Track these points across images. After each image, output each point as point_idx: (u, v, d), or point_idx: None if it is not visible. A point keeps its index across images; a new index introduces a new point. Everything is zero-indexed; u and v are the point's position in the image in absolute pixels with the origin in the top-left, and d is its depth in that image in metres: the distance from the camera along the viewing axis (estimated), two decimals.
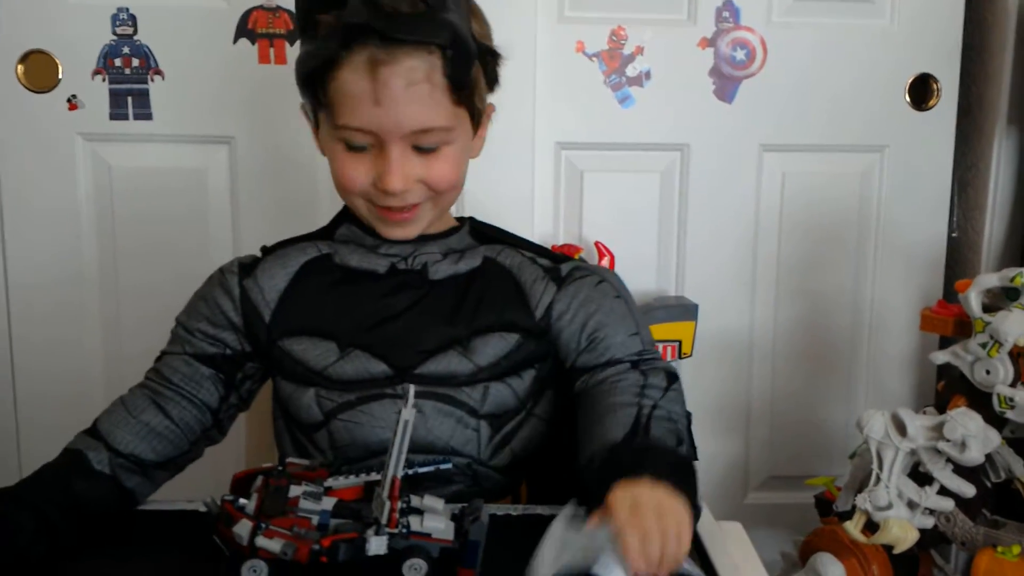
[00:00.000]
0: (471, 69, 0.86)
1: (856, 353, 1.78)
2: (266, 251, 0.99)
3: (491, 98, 0.95)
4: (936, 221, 1.75)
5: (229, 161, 1.55)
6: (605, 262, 1.58)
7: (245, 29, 1.50)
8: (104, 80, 1.50)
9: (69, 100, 1.51)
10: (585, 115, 1.64)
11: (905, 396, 1.78)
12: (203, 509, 0.76)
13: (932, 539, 1.32)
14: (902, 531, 1.21)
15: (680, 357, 1.60)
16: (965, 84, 1.71)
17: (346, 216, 0.98)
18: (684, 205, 1.70)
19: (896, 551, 1.24)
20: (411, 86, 0.82)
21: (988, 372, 1.21)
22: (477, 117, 0.92)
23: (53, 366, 1.57)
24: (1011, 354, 1.18)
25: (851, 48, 1.67)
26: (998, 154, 1.67)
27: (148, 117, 1.52)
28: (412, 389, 0.73)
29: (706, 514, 0.90)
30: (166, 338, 0.96)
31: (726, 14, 1.63)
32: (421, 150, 0.87)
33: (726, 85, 1.66)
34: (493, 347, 0.92)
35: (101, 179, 1.55)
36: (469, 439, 0.92)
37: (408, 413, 0.72)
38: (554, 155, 1.65)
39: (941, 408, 1.29)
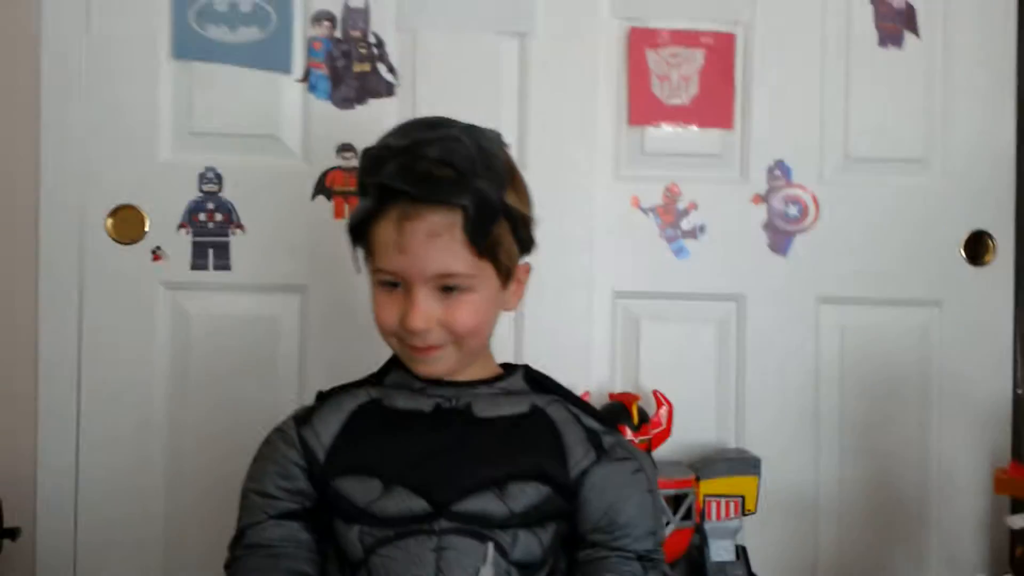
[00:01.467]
0: (491, 228, 0.97)
1: (925, 514, 1.71)
2: (321, 396, 1.09)
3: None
4: (999, 377, 1.72)
5: (301, 308, 1.62)
6: (664, 411, 1.57)
7: (323, 187, 1.60)
8: (188, 233, 1.59)
9: (154, 252, 1.60)
10: (641, 266, 1.68)
11: (978, 561, 1.70)
12: None
13: None
14: None
15: (744, 514, 1.56)
16: (1022, 238, 1.73)
17: (395, 362, 1.08)
18: (742, 355, 1.70)
19: None
20: (432, 237, 0.95)
21: None
22: (504, 271, 1.03)
23: (115, 512, 1.59)
24: None
25: (903, 205, 1.70)
26: None
27: (227, 267, 1.60)
28: (492, 548, 0.73)
29: None
30: (225, 485, 1.03)
31: (777, 172, 1.70)
32: (446, 291, 0.98)
33: (780, 239, 1.70)
34: (528, 495, 0.99)
35: (179, 326, 1.62)
36: None
37: (487, 572, 0.71)
38: (611, 303, 1.68)
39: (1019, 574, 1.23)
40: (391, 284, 0.99)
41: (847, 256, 1.70)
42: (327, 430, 1.03)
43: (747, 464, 1.57)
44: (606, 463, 1.03)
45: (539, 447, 1.01)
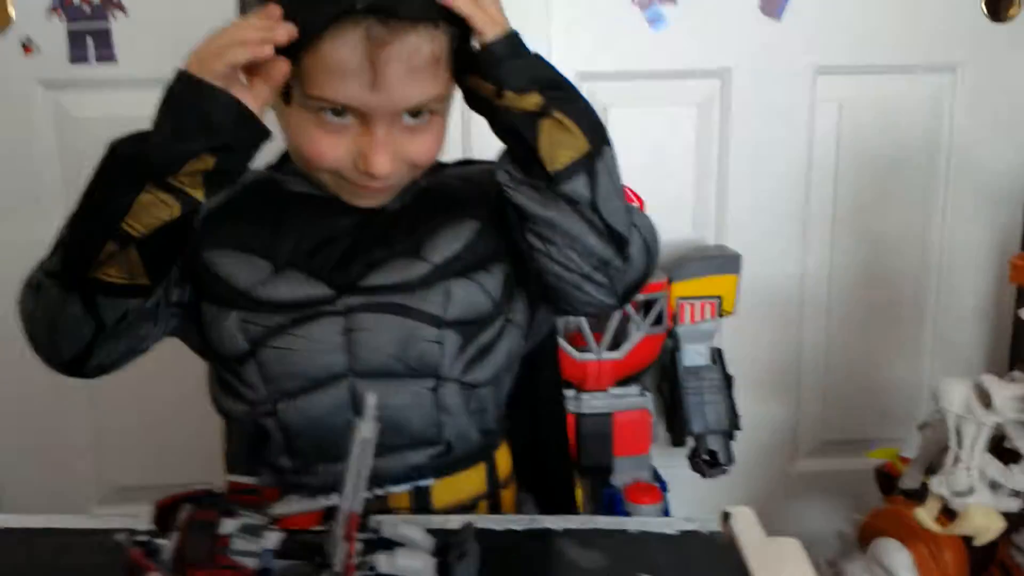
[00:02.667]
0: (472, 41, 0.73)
1: (923, 304, 1.58)
2: None
3: None
4: (1018, 149, 1.53)
5: None
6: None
7: None
8: (61, 19, 1.34)
9: (24, 44, 1.34)
10: (609, 41, 1.45)
11: (976, 355, 1.59)
12: (122, 544, 0.60)
13: (1016, 522, 1.14)
14: (986, 520, 1.04)
15: (720, 315, 1.41)
16: None
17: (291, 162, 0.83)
18: (725, 140, 1.50)
19: (977, 542, 1.06)
20: (413, 70, 0.71)
21: None
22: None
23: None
24: None
25: None
26: None
27: (112, 59, 1.35)
28: (373, 399, 0.56)
29: (756, 528, 0.73)
30: None
31: None
32: (408, 120, 0.75)
33: (773, 0, 1.44)
34: (447, 240, 0.80)
35: (66, 131, 1.39)
36: (428, 353, 0.78)
37: (368, 428, 0.55)
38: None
39: None
40: (335, 112, 0.73)
41: (851, 18, 1.46)
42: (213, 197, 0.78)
43: (725, 262, 1.41)
44: None
45: (449, 202, 0.82)
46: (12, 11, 1.33)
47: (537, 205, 0.74)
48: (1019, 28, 1.48)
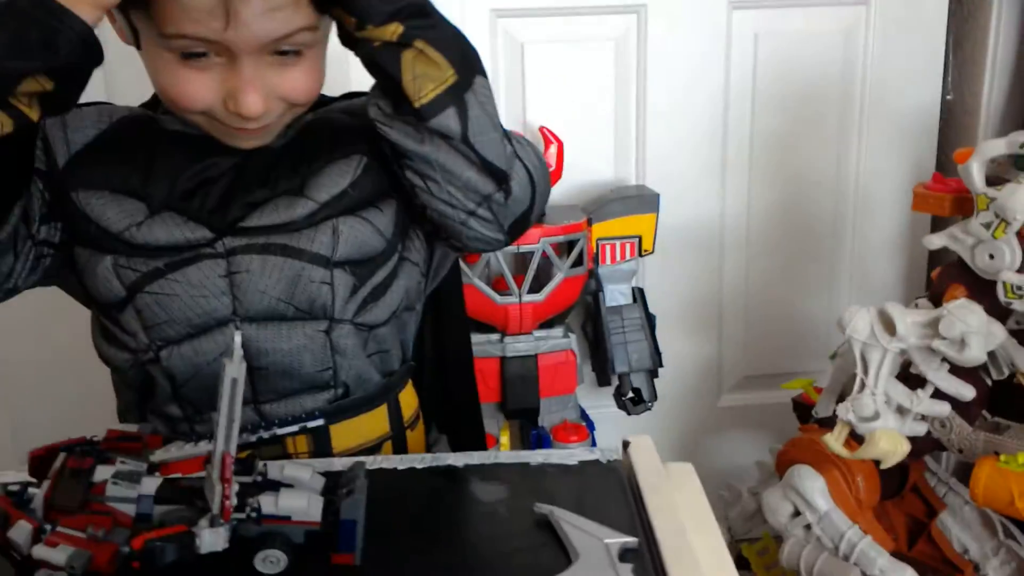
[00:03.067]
0: None
1: (839, 239, 1.61)
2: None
3: None
4: (929, 82, 1.55)
5: None
6: (552, 149, 1.37)
7: None
8: None
9: None
10: None
11: (893, 286, 1.62)
12: None
13: (924, 447, 1.17)
14: (891, 444, 1.06)
15: (640, 255, 1.42)
16: None
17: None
18: (642, 77, 1.49)
19: (884, 466, 1.09)
20: (270, 2, 0.67)
21: (992, 256, 1.03)
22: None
23: None
24: (1019, 235, 1.00)
25: None
26: (999, 2, 1.45)
27: None
28: (239, 336, 0.55)
29: (651, 454, 0.73)
30: None
31: None
32: (280, 54, 0.71)
33: None
34: (332, 178, 0.77)
35: None
36: (318, 295, 0.76)
37: (235, 368, 0.54)
38: (489, 25, 1.43)
39: (936, 300, 1.12)
40: (195, 53, 0.69)
41: None
42: (81, 132, 0.77)
43: (643, 201, 1.41)
44: None
45: (331, 138, 0.79)
46: None
47: (411, 141, 0.72)
48: None
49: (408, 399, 0.85)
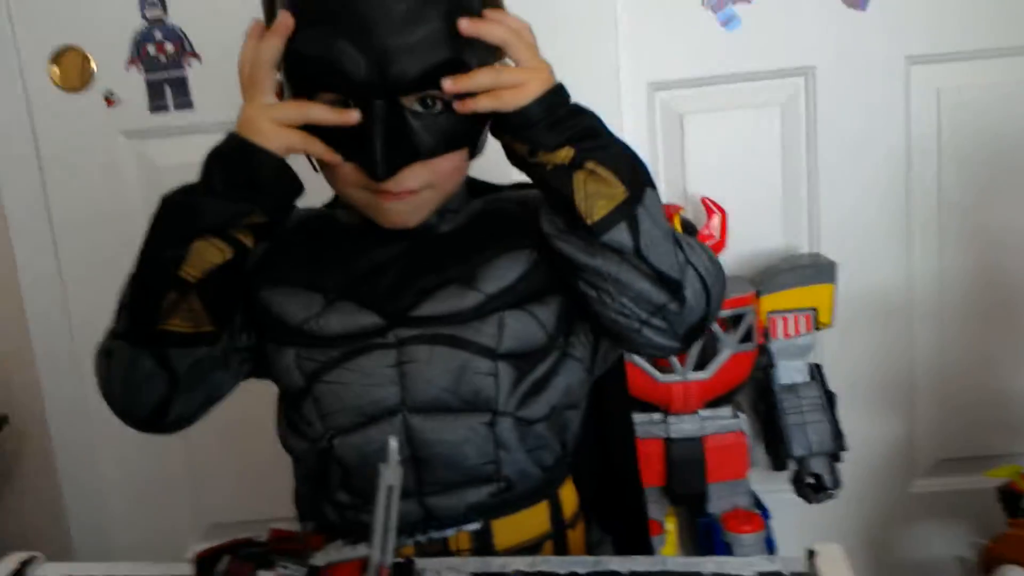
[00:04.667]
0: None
1: None
2: None
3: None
4: None
5: None
6: (715, 221, 1.32)
7: None
8: (140, 70, 1.38)
9: (106, 97, 1.39)
10: (681, 46, 1.39)
11: None
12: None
13: None
14: None
15: (817, 328, 1.32)
16: None
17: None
18: (812, 140, 1.42)
19: None
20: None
21: None
22: None
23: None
24: None
25: None
26: None
27: (189, 105, 1.39)
28: (394, 443, 0.53)
29: (844, 568, 0.66)
30: None
31: None
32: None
33: None
34: (502, 270, 0.77)
35: (150, 180, 1.42)
36: (483, 387, 0.76)
37: (391, 475, 0.52)
38: (647, 98, 1.41)
39: None
40: None
41: (939, 2, 1.36)
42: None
43: (817, 271, 1.32)
44: None
45: (500, 231, 0.79)
46: (94, 66, 1.39)
47: (583, 255, 0.71)
48: None
49: (569, 496, 0.82)
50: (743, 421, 1.33)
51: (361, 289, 0.77)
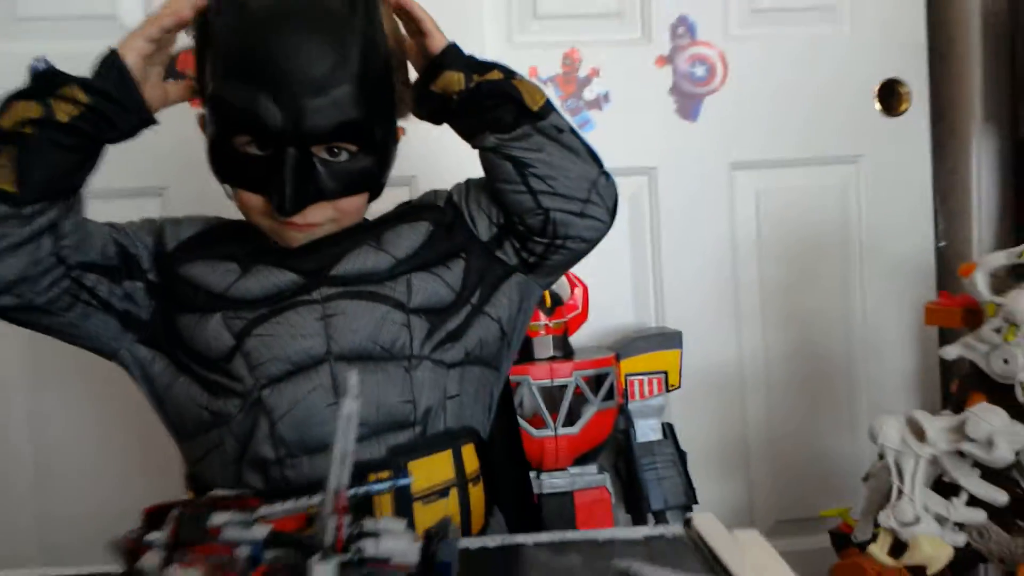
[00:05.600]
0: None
1: (853, 374, 1.67)
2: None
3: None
4: (920, 230, 1.67)
5: (162, 211, 1.44)
6: (578, 292, 1.47)
7: (174, 71, 1.40)
8: None
9: None
10: None
11: None
12: (111, 550, 0.62)
13: (966, 560, 1.18)
14: (934, 548, 1.08)
15: (668, 390, 1.47)
16: (935, 87, 1.66)
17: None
18: (656, 230, 1.61)
19: (930, 572, 1.10)
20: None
21: (1006, 361, 1.10)
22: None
23: None
24: None
25: (813, 57, 1.62)
26: (977, 156, 1.61)
27: None
28: (355, 376, 0.60)
29: (716, 524, 0.77)
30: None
31: (681, 30, 1.58)
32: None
33: (688, 103, 1.60)
34: (405, 238, 0.92)
35: None
36: (399, 336, 0.88)
37: (351, 405, 0.59)
38: None
39: (957, 410, 1.17)
40: None
41: (760, 117, 1.61)
42: (190, 228, 0.95)
43: (667, 338, 1.49)
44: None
45: (397, 216, 0.97)
46: None
47: (530, 151, 0.88)
48: (910, 121, 1.64)
49: (470, 457, 0.91)
50: (607, 478, 1.44)
51: (273, 255, 0.89)
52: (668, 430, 1.49)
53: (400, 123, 0.95)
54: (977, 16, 1.58)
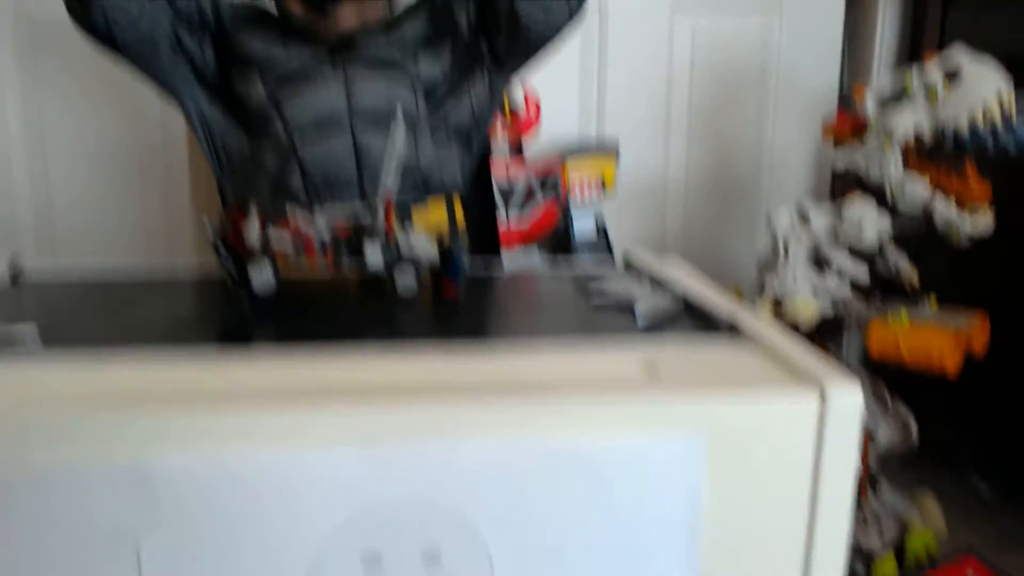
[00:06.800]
0: None
1: (758, 188, 1.95)
2: None
3: None
4: (828, 72, 1.91)
5: None
6: (532, 105, 1.66)
7: None
8: None
9: None
10: None
11: None
12: (206, 229, 0.81)
13: (832, 327, 1.48)
14: (805, 306, 1.38)
15: (604, 191, 1.71)
16: None
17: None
18: (603, 56, 1.80)
19: (803, 327, 1.40)
20: None
21: (880, 167, 1.36)
22: None
23: None
24: (901, 150, 1.34)
25: None
26: (883, 9, 1.83)
27: None
28: (399, 107, 0.81)
29: (648, 253, 1.01)
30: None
31: None
32: None
33: None
34: (409, 26, 1.11)
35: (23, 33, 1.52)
36: (407, 102, 1.07)
37: (399, 129, 0.79)
38: None
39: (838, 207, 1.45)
40: None
41: None
42: (242, 8, 1.10)
43: (606, 148, 1.71)
44: None
45: (405, 12, 1.13)
46: None
47: None
48: None
49: (459, 211, 1.13)
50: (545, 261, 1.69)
51: (308, 36, 1.06)
52: (601, 230, 1.74)
53: None
54: None
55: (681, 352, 0.59)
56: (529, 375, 0.54)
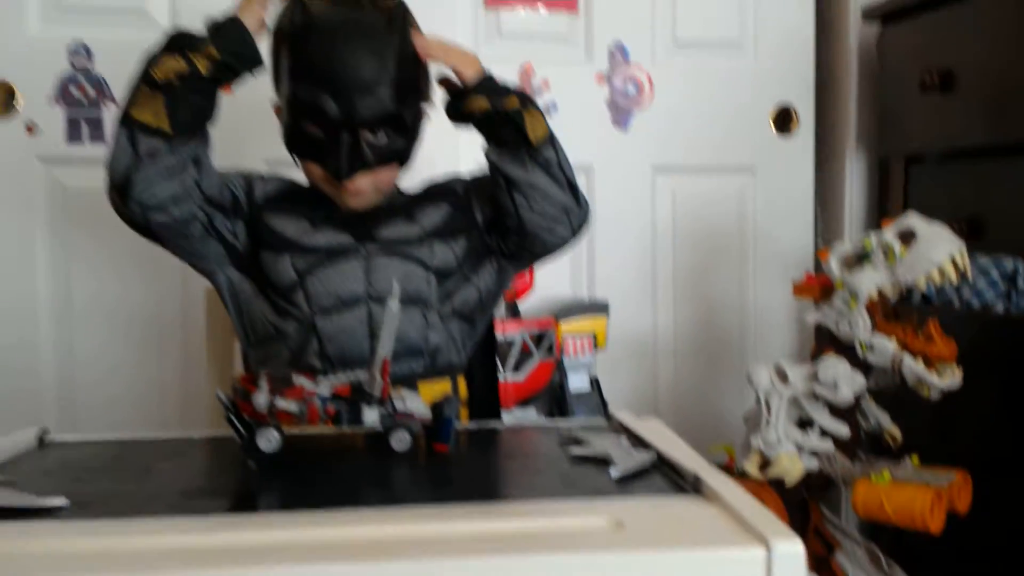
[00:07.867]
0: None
1: (744, 348, 2.02)
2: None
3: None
4: (803, 233, 2.03)
5: None
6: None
7: None
8: (62, 107, 1.63)
9: (27, 125, 1.62)
10: None
11: None
12: (220, 399, 0.89)
13: (819, 483, 1.52)
14: (790, 463, 1.42)
15: (596, 348, 1.79)
16: (820, 113, 2.02)
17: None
18: (592, 221, 1.92)
19: (788, 484, 1.44)
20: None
21: (850, 325, 1.45)
22: None
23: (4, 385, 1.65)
24: (868, 308, 1.43)
25: (723, 83, 1.96)
26: (850, 170, 1.98)
27: (102, 139, 1.65)
28: (397, 287, 0.90)
29: (631, 416, 1.08)
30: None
31: (617, 54, 1.91)
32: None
33: (621, 115, 1.92)
34: (431, 215, 1.21)
35: (56, 200, 1.66)
36: (421, 288, 1.17)
37: (394, 304, 0.88)
38: None
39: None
40: None
41: (677, 130, 1.95)
42: (273, 184, 1.20)
43: (597, 307, 1.80)
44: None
45: (426, 195, 1.24)
46: (20, 98, 1.63)
47: (520, 171, 1.14)
48: (798, 141, 2.00)
49: (462, 386, 1.20)
50: (543, 420, 1.75)
51: (335, 220, 1.16)
52: (595, 384, 1.81)
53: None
54: (854, 56, 1.94)
55: (647, 508, 0.65)
56: (508, 531, 0.60)
